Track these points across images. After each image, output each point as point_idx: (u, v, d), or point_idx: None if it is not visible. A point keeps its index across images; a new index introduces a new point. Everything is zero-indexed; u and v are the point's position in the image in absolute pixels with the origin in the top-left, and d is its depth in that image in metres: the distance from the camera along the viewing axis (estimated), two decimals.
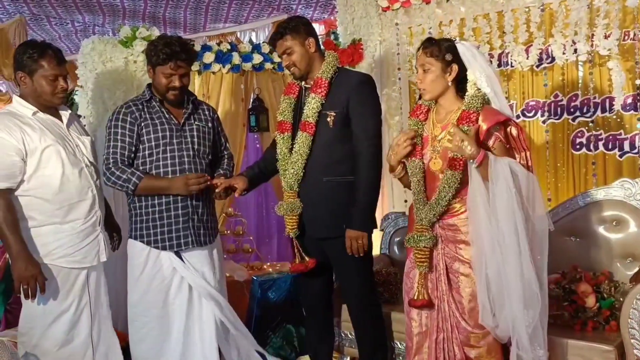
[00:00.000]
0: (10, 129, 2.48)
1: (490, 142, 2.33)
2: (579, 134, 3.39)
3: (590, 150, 3.35)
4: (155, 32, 3.81)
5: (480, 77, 2.38)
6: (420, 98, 2.58)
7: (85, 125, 3.64)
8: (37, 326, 2.56)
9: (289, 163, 2.73)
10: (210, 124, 2.92)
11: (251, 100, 4.57)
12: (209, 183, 2.76)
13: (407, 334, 2.57)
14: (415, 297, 2.44)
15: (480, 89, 2.38)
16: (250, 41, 4.65)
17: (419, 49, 2.47)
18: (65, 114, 2.70)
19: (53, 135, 2.57)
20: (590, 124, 3.34)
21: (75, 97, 4.10)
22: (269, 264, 4.49)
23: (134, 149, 2.75)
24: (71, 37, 6.32)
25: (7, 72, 5.45)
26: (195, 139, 2.82)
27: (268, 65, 4.40)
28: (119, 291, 3.02)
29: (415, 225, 2.46)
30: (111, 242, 2.96)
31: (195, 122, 2.85)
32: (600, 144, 3.31)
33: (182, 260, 2.79)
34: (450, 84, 2.43)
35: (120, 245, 3.01)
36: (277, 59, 4.37)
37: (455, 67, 2.40)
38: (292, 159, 2.70)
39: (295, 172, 2.71)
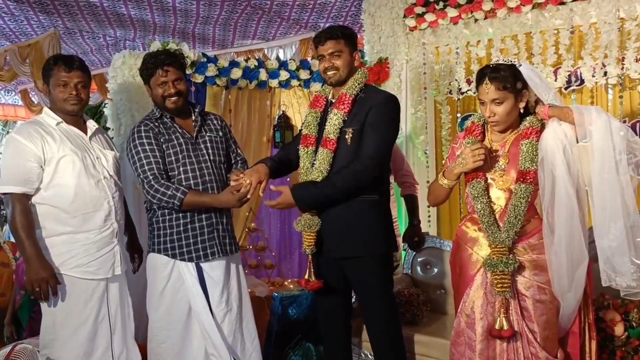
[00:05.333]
0: (31, 136, 2.55)
1: None
2: None
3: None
4: (185, 48, 3.87)
5: (548, 95, 2.31)
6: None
7: (113, 138, 3.71)
8: (58, 338, 2.58)
9: (310, 179, 2.68)
10: (220, 133, 2.93)
11: (277, 116, 4.61)
12: (249, 189, 2.67)
13: None
14: (498, 327, 2.27)
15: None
16: (278, 58, 4.70)
17: (481, 80, 2.31)
18: (92, 127, 2.76)
19: (73, 145, 2.62)
20: None
21: (105, 109, 4.17)
22: (290, 280, 4.48)
23: (165, 161, 2.73)
24: (102, 50, 6.46)
25: (41, 84, 5.58)
26: (210, 150, 2.83)
27: (294, 82, 4.44)
28: (137, 304, 3.03)
29: (496, 248, 2.31)
30: (132, 262, 2.98)
31: (207, 134, 2.86)
32: (630, 169, 3.25)
33: (202, 277, 2.76)
34: (522, 110, 2.34)
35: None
36: (303, 76, 4.42)
37: (526, 92, 2.31)
38: (313, 175, 2.65)
39: None
